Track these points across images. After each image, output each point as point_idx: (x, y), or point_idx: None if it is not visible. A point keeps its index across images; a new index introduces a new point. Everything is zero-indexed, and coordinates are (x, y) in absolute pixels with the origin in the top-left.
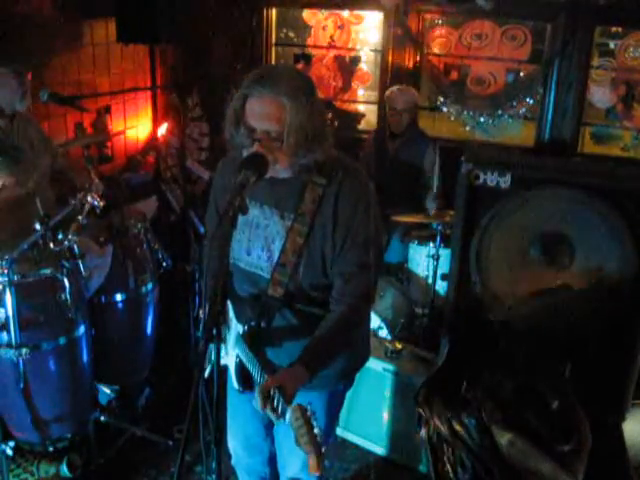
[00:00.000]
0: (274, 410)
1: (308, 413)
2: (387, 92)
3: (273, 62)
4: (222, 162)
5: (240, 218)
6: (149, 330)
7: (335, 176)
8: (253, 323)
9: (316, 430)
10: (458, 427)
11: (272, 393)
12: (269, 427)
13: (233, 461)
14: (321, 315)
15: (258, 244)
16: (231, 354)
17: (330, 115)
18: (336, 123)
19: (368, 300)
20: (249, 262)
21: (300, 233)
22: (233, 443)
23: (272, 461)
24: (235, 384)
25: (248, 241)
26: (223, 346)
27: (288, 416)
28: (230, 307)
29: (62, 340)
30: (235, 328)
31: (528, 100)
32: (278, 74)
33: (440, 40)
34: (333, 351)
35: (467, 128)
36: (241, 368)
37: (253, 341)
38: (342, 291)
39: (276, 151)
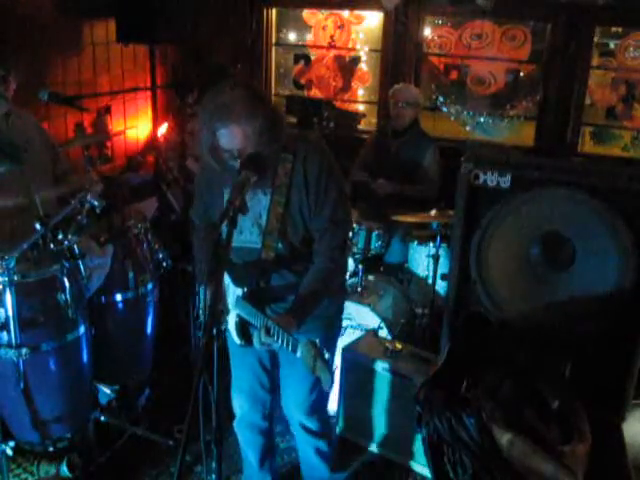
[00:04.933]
0: (282, 343)
1: (318, 344)
2: (392, 89)
3: (273, 62)
4: (199, 171)
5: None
6: (149, 330)
7: (299, 150)
8: (253, 284)
9: (327, 356)
10: (458, 427)
11: (271, 327)
12: (273, 378)
13: (237, 419)
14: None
15: (248, 222)
16: (231, 315)
17: (326, 114)
18: (332, 124)
19: (342, 250)
20: (242, 239)
21: (279, 203)
22: (239, 401)
23: (270, 416)
24: (237, 340)
25: (239, 221)
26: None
27: (299, 350)
28: (226, 275)
29: (62, 340)
30: (234, 292)
31: (528, 100)
32: (230, 105)
33: (440, 40)
34: (316, 299)
35: (467, 128)
36: (241, 325)
37: (254, 299)
38: (319, 245)
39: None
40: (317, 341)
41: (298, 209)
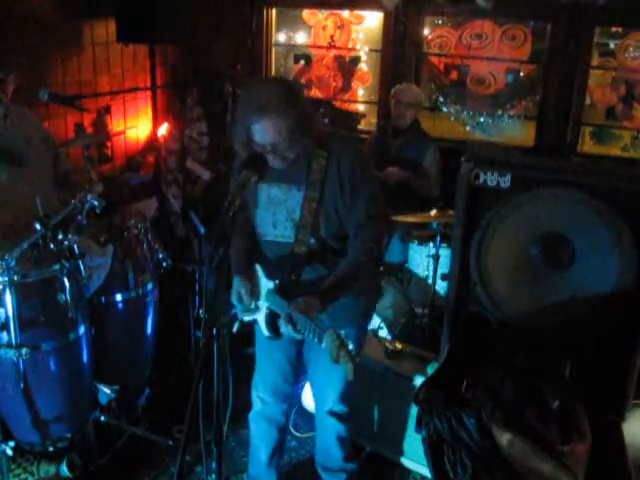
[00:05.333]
0: (307, 333)
1: (342, 335)
2: (393, 88)
3: (273, 62)
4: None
5: (264, 198)
6: (149, 330)
7: (333, 147)
8: (285, 277)
9: (350, 347)
10: (458, 427)
11: (297, 317)
12: (297, 375)
13: (255, 412)
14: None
15: (282, 217)
16: (262, 308)
17: (321, 111)
18: (326, 120)
19: (378, 245)
20: (276, 234)
21: (313, 199)
22: (261, 394)
23: (287, 414)
24: (266, 332)
25: (273, 216)
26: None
27: (325, 340)
28: (259, 268)
29: (62, 340)
30: (265, 286)
31: (528, 100)
32: (265, 100)
33: (440, 40)
34: (344, 288)
35: (467, 128)
36: (271, 318)
37: (286, 292)
38: (355, 239)
39: (284, 151)
40: (342, 332)
41: (332, 204)
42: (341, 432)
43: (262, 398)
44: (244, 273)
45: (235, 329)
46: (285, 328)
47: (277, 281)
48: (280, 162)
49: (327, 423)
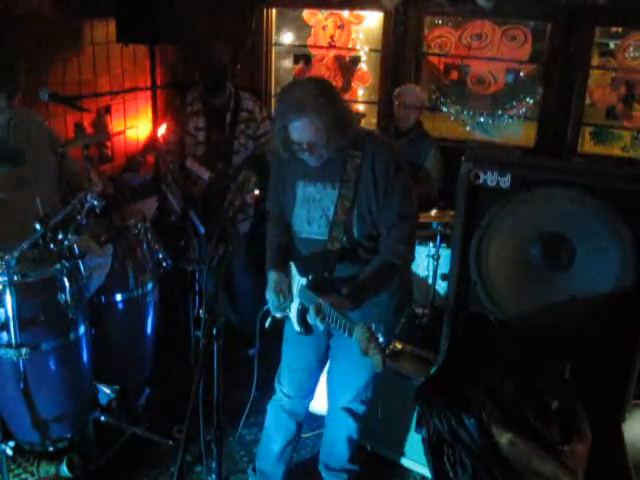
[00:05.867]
0: (337, 326)
1: (373, 328)
2: (396, 90)
3: (273, 62)
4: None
5: (300, 196)
6: (149, 330)
7: (368, 147)
8: (318, 274)
9: (380, 339)
10: (458, 427)
11: (327, 309)
12: (321, 371)
13: (277, 404)
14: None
15: (316, 214)
16: (294, 303)
17: (355, 115)
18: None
19: (410, 246)
20: (310, 231)
21: (347, 197)
22: (285, 388)
23: (307, 410)
24: (297, 328)
25: (308, 213)
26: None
27: (355, 333)
28: (292, 266)
29: (62, 340)
30: (298, 282)
31: (528, 100)
32: (303, 100)
33: (440, 40)
34: (375, 289)
35: (467, 128)
36: (303, 314)
37: (318, 288)
38: (386, 238)
39: (320, 149)
40: (373, 325)
41: (366, 204)
42: (352, 431)
43: (286, 392)
44: (280, 269)
45: (267, 325)
46: (313, 319)
47: (310, 277)
48: (316, 160)
49: (340, 420)
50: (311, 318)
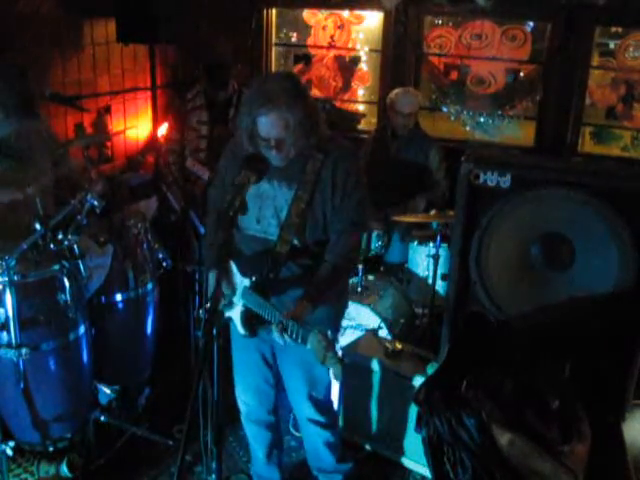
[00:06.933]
0: (292, 336)
1: (329, 336)
2: (391, 95)
3: (273, 62)
4: (227, 146)
5: (251, 191)
6: (149, 330)
7: (331, 151)
8: (263, 275)
9: (337, 347)
10: (458, 427)
11: (287, 323)
12: (277, 373)
13: (243, 415)
14: (317, 266)
15: (268, 213)
16: (236, 306)
17: (324, 115)
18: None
19: (356, 252)
20: (258, 229)
21: (302, 199)
22: (244, 397)
23: (276, 410)
24: (241, 330)
25: (259, 211)
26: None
27: (310, 341)
28: (233, 266)
29: (62, 340)
30: (241, 282)
31: (528, 100)
32: (275, 93)
33: (440, 40)
34: (329, 288)
35: (467, 128)
36: (247, 316)
37: (262, 289)
38: (335, 244)
39: (288, 147)
40: (328, 332)
41: (321, 207)
42: (327, 438)
43: (244, 401)
44: (221, 267)
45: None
46: (280, 339)
47: (254, 278)
48: (281, 160)
49: (311, 429)
50: (278, 339)
